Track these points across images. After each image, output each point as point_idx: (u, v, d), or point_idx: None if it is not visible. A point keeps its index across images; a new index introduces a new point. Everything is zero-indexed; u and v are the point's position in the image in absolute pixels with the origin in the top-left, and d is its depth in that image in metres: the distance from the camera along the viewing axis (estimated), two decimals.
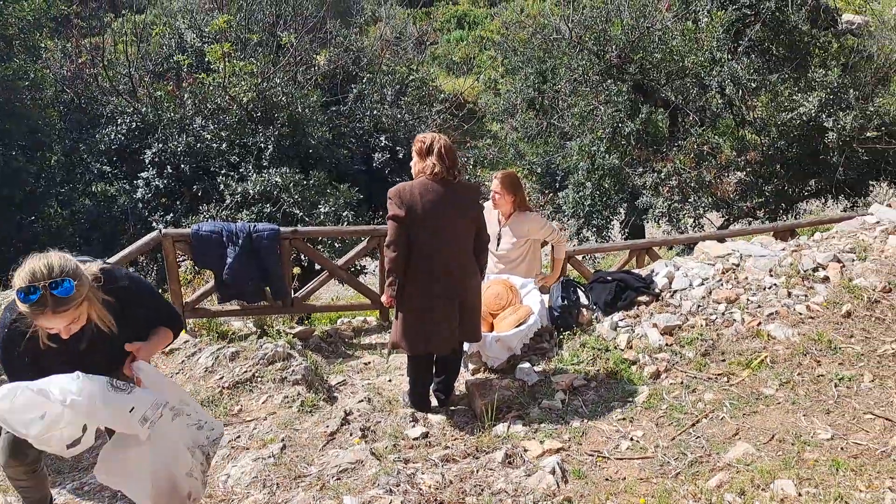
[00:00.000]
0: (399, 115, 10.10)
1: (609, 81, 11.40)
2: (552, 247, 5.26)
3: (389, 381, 4.96)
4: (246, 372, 4.60)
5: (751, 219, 11.47)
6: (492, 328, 4.58)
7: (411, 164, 3.97)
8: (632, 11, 11.49)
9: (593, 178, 11.05)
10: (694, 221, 10.99)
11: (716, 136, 11.24)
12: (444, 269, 3.91)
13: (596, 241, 11.00)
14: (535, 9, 22.83)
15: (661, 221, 11.27)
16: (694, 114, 11.59)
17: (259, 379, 4.57)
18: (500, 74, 14.73)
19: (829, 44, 12.33)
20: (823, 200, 11.82)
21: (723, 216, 11.90)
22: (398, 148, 9.69)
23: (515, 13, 21.65)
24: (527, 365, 4.35)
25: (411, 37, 14.80)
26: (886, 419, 3.46)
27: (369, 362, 5.36)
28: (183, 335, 5.24)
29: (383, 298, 4.05)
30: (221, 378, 4.62)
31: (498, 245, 5.05)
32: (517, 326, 4.48)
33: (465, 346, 4.40)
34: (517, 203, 4.95)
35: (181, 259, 6.20)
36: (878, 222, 5.21)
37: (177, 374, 4.79)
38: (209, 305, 5.99)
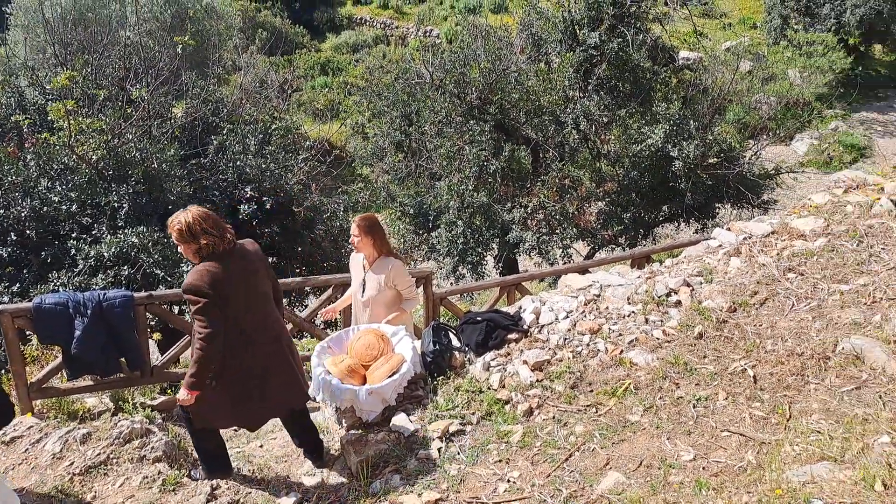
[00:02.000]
0: (264, 165, 9.84)
1: (472, 122, 11.74)
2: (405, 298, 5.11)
3: (261, 446, 4.72)
4: (99, 454, 4.22)
5: (613, 245, 12.06)
6: (364, 380, 4.48)
7: (181, 250, 3.74)
8: (488, 55, 11.95)
9: (464, 217, 11.27)
10: (562, 252, 11.42)
11: (575, 170, 11.81)
12: (267, 332, 3.89)
13: (472, 278, 11.17)
14: (396, 54, 23.34)
15: (531, 254, 11.62)
16: (553, 149, 12.12)
17: (114, 460, 4.21)
18: (367, 119, 14.85)
19: (669, 79, 13.33)
20: (677, 224, 12.64)
21: (588, 245, 12.44)
22: (265, 198, 9.43)
23: (378, 59, 22.03)
24: (402, 415, 4.27)
25: (273, 85, 14.63)
26: (741, 435, 3.65)
27: (238, 428, 5.09)
28: (28, 419, 4.77)
29: (182, 394, 3.69)
30: (72, 464, 4.21)
31: (363, 291, 4.99)
32: (390, 376, 4.40)
33: (337, 402, 4.27)
34: (377, 246, 4.91)
35: (28, 335, 5.69)
36: (720, 245, 5.58)
37: (20, 464, 4.33)
38: (59, 383, 5.51)
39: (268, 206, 9.40)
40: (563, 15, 12.79)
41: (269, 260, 10.34)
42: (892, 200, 5.35)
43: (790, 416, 3.68)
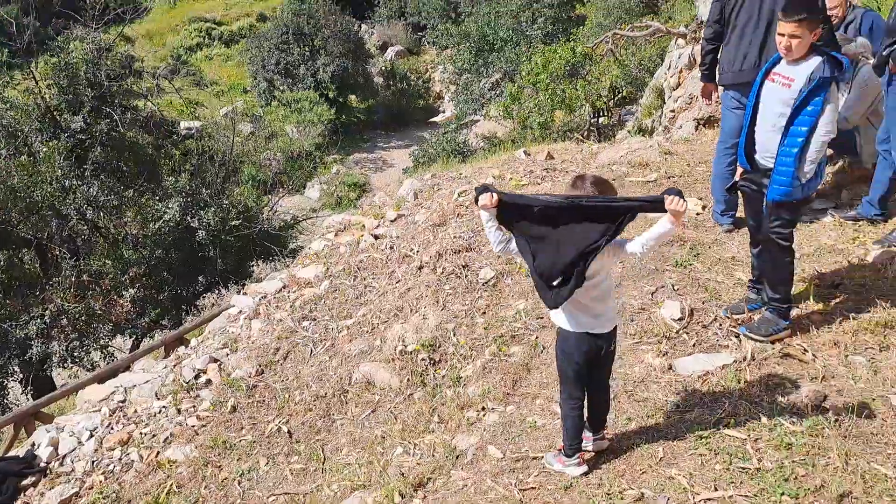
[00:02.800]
0: None
1: None
2: None
3: None
4: None
5: (157, 330, 11.44)
6: None
7: None
8: None
9: None
10: (101, 354, 10.40)
11: (94, 262, 10.87)
12: None
13: None
14: None
15: (67, 365, 10.30)
16: (61, 246, 10.95)
17: None
18: None
19: (172, 152, 13.25)
20: (217, 292, 12.57)
21: (131, 337, 11.58)
22: None
23: None
24: None
25: None
26: (286, 494, 3.75)
27: None
28: None
29: None
30: None
31: None
32: None
33: None
34: None
35: None
36: (240, 312, 5.68)
37: None
38: None
39: None
40: (37, 102, 11.68)
41: None
42: (373, 235, 6.14)
43: (325, 459, 3.92)
